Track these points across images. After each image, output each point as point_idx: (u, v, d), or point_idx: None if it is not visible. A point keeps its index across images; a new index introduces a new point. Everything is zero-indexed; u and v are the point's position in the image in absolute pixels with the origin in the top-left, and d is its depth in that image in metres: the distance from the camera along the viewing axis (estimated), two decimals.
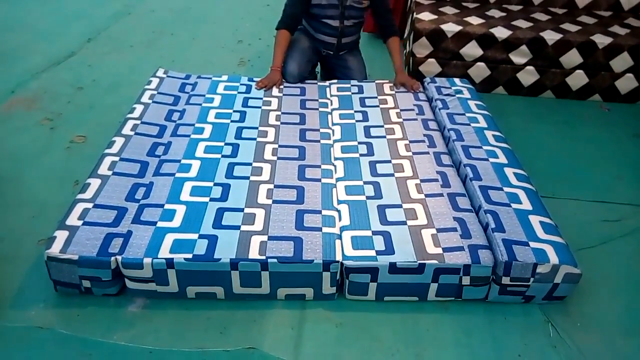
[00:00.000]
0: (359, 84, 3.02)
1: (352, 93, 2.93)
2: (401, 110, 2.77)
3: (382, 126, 2.63)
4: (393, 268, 1.87)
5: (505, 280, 1.90)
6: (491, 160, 2.37)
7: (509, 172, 2.30)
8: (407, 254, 1.89)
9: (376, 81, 3.05)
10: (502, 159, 2.39)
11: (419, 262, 1.87)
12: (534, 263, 1.87)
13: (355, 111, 2.76)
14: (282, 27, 2.99)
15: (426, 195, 2.16)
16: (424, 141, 2.51)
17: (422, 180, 2.24)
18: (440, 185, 2.22)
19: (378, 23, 3.15)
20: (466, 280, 1.91)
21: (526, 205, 2.12)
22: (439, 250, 1.91)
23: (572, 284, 1.95)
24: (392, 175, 2.28)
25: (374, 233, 1.98)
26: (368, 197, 2.15)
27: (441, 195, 2.16)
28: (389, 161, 2.37)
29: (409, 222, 2.03)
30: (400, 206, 2.11)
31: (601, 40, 3.28)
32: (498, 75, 3.44)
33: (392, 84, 3.01)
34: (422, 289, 1.95)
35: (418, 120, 2.67)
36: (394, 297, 1.97)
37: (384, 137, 2.54)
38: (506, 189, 2.19)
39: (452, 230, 1.99)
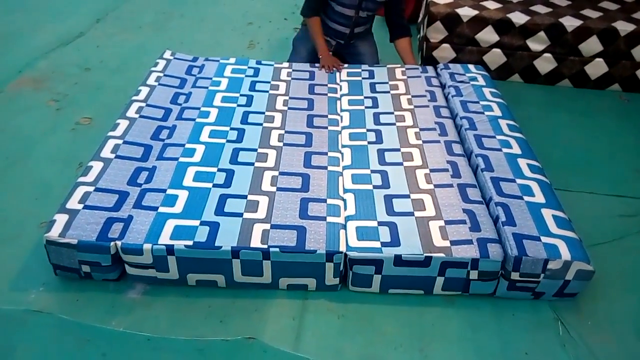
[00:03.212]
0: (370, 68, 2.94)
1: (363, 78, 2.85)
2: (412, 96, 2.69)
3: (392, 113, 2.55)
4: (398, 260, 1.81)
5: (515, 275, 1.84)
6: (504, 150, 2.29)
7: (523, 163, 2.23)
8: (413, 247, 1.83)
9: (388, 66, 2.96)
10: (516, 150, 2.31)
11: (425, 255, 1.81)
12: (545, 259, 1.81)
13: (365, 97, 2.69)
14: (312, 13, 2.91)
15: (435, 186, 2.09)
16: (435, 129, 2.43)
17: (431, 170, 2.18)
18: (450, 175, 2.15)
19: (389, 19, 3.02)
20: (474, 275, 1.85)
21: (539, 198, 2.05)
22: (447, 243, 1.85)
23: (584, 281, 1.88)
24: (401, 164, 2.22)
25: (380, 224, 1.92)
26: (375, 187, 2.09)
27: (451, 186, 2.10)
28: (398, 150, 2.30)
29: (417, 213, 1.97)
30: (408, 196, 2.05)
31: (623, 28, 3.16)
32: (514, 62, 3.33)
33: (404, 69, 2.92)
34: (428, 283, 1.89)
35: (430, 107, 2.60)
36: (399, 290, 1.92)
37: (394, 124, 2.47)
38: (519, 181, 2.12)
39: (461, 222, 1.93)
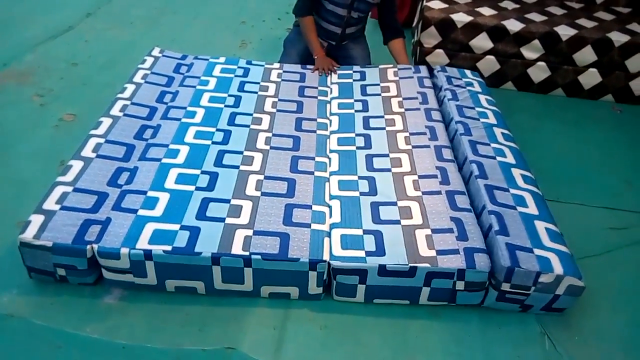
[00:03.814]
0: (361, 69, 2.89)
1: (354, 80, 2.80)
2: (404, 98, 2.62)
3: (382, 117, 2.50)
4: (383, 270, 1.77)
5: (505, 286, 1.80)
6: (499, 159, 2.25)
7: (516, 173, 2.19)
8: (399, 256, 1.79)
9: (380, 66, 2.91)
10: (510, 159, 2.27)
11: (410, 265, 1.77)
12: (537, 271, 1.77)
13: (355, 100, 2.64)
14: (305, 12, 2.86)
15: (423, 193, 2.05)
16: (425, 133, 2.38)
17: (420, 177, 2.13)
18: (439, 182, 2.10)
19: (382, 21, 2.99)
20: (460, 285, 1.81)
21: (532, 209, 2.01)
22: (433, 253, 1.81)
23: (574, 297, 1.84)
24: (389, 170, 2.17)
25: (365, 232, 1.88)
26: (362, 194, 2.05)
27: (439, 193, 2.05)
28: (387, 155, 2.26)
29: (403, 222, 1.93)
30: (395, 204, 2.01)
31: (618, 38, 3.13)
32: (508, 69, 3.30)
33: (396, 69, 2.87)
34: (413, 293, 1.85)
35: (421, 110, 2.54)
36: (384, 300, 1.87)
37: (383, 129, 2.42)
38: (512, 191, 2.08)
39: (448, 231, 1.89)
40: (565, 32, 3.15)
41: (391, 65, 2.92)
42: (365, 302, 1.87)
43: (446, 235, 1.87)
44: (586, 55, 3.19)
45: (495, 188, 2.09)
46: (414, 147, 2.30)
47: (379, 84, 2.76)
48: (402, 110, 2.55)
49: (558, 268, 1.78)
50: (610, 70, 3.23)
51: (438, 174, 2.14)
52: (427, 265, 1.77)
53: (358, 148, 2.30)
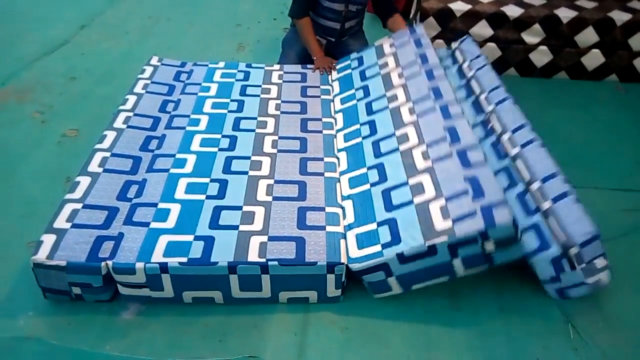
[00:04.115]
0: (358, 55, 2.82)
1: (352, 69, 2.74)
2: (403, 67, 2.51)
3: (384, 96, 2.41)
4: (402, 258, 1.72)
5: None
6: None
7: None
8: (414, 239, 1.72)
9: (376, 43, 2.82)
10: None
11: (427, 244, 1.69)
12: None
13: (355, 89, 2.58)
14: (302, 15, 2.83)
15: (434, 161, 1.94)
16: (429, 96, 2.26)
17: (428, 145, 2.02)
18: (448, 143, 1.98)
19: (378, 8, 2.95)
20: (490, 246, 1.68)
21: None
22: (449, 224, 1.70)
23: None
24: (397, 150, 2.09)
25: (379, 224, 1.83)
26: (372, 184, 2.00)
27: (449, 155, 1.93)
28: (393, 135, 2.17)
29: (416, 200, 1.84)
30: (406, 184, 1.92)
31: (619, 17, 3.10)
32: (509, 56, 3.27)
33: (392, 40, 2.76)
34: (446, 268, 1.75)
35: (422, 73, 2.41)
36: (422, 284, 1.80)
37: (387, 108, 2.34)
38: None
39: (463, 194, 1.76)
40: (565, 14, 3.12)
41: (387, 36, 2.82)
42: (404, 292, 1.82)
43: (461, 199, 1.75)
44: (588, 36, 3.16)
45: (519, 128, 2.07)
46: (419, 115, 2.19)
47: (377, 63, 2.67)
48: (403, 81, 2.43)
49: None
50: (613, 50, 3.20)
51: (447, 135, 2.01)
52: (445, 238, 1.68)
53: (364, 138, 2.24)
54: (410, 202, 1.86)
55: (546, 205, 1.85)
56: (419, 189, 1.89)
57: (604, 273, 1.81)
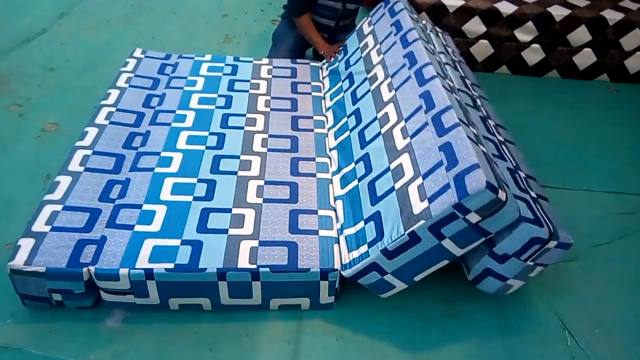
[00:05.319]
0: (344, 44, 2.74)
1: (339, 61, 2.67)
2: (380, 42, 2.42)
3: (366, 79, 2.31)
4: (387, 253, 1.63)
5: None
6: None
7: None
8: (394, 229, 1.63)
9: (356, 28, 2.73)
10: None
11: (406, 233, 1.58)
12: None
13: (342, 80, 2.51)
14: (301, 13, 2.76)
15: (411, 136, 1.82)
16: (404, 65, 2.13)
17: (406, 119, 1.90)
18: (424, 111, 1.86)
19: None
20: (474, 217, 1.52)
21: None
22: (425, 204, 1.57)
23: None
24: (380, 134, 1.99)
25: (366, 221, 1.75)
26: (359, 179, 1.92)
27: (425, 125, 1.80)
28: (375, 119, 2.07)
29: (397, 185, 1.73)
30: (388, 170, 1.81)
31: (612, 16, 3.08)
32: (502, 53, 3.23)
33: (370, 18, 2.66)
34: (440, 252, 1.62)
35: (397, 43, 2.28)
36: (423, 274, 1.69)
37: (369, 91, 2.23)
38: None
39: (438, 166, 1.64)
40: (558, 12, 3.09)
41: (366, 17, 2.73)
42: (409, 285, 1.73)
43: (437, 173, 1.62)
44: (580, 35, 3.13)
45: None
46: (396, 89, 2.07)
47: (358, 47, 2.59)
48: (381, 57, 2.33)
49: None
50: (605, 50, 3.18)
51: (422, 103, 1.89)
52: (422, 222, 1.55)
53: (351, 130, 2.16)
54: (392, 189, 1.74)
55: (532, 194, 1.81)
56: (399, 172, 1.77)
57: (520, 282, 1.76)
